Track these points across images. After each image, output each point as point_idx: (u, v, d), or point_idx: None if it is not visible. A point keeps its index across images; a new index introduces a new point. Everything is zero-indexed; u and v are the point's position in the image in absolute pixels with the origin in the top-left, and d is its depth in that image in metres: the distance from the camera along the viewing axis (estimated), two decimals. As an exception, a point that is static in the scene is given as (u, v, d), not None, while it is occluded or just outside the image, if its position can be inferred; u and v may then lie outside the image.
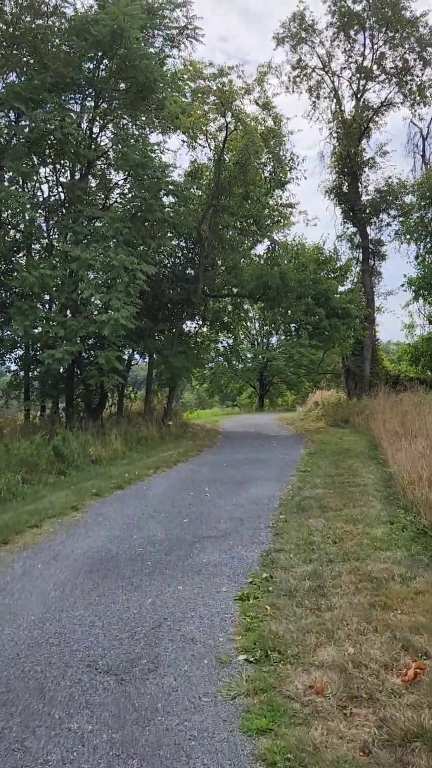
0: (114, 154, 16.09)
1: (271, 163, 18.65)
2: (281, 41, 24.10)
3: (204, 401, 64.58)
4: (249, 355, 48.92)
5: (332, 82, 24.70)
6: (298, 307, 16.99)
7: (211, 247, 19.32)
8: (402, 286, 24.63)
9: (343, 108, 24.58)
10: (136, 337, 18.99)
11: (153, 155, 15.40)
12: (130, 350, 19.26)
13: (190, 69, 16.95)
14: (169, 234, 16.12)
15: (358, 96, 23.85)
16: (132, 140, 15.64)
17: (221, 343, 24.87)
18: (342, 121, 24.32)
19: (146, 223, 16.00)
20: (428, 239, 24.76)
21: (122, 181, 17.43)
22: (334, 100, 24.89)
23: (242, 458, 13.73)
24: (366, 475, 10.43)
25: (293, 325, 18.57)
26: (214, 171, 18.31)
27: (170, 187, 15.58)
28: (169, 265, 20.74)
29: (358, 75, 23.09)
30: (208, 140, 18.08)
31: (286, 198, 19.41)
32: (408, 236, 23.50)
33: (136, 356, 20.69)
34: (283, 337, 47.49)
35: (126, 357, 20.09)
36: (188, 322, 22.60)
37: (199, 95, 16.36)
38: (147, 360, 20.25)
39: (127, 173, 15.89)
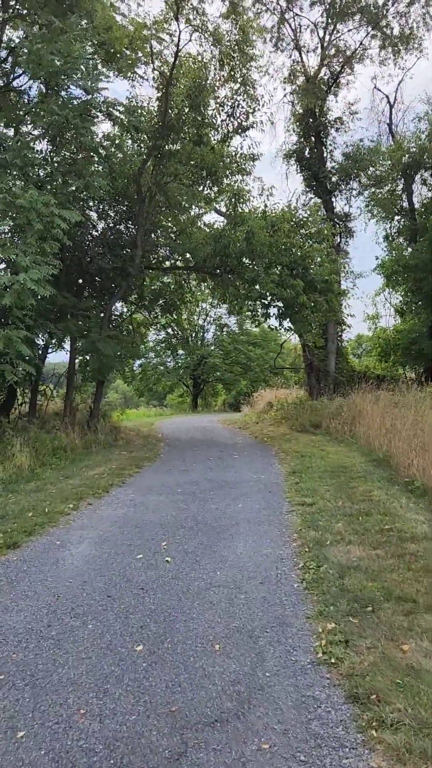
0: (25, 57, 11.61)
1: (231, 101, 14.77)
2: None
3: (129, 401, 60.38)
4: (181, 352, 45.18)
5: (294, 31, 21.12)
6: (269, 278, 13.11)
7: (153, 203, 15.27)
8: (374, 270, 21.43)
9: (305, 59, 21.05)
10: (54, 316, 14.69)
11: (78, 60, 11.11)
12: (47, 333, 14.84)
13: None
14: (100, 169, 11.88)
15: (324, 44, 20.34)
16: (52, 41, 11.30)
17: (165, 329, 20.64)
18: (304, 72, 20.77)
19: (69, 157, 11.76)
20: (398, 218, 21.69)
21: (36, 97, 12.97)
22: (294, 51, 21.30)
23: (202, 479, 9.77)
24: (407, 515, 6.77)
25: (260, 302, 14.55)
26: (160, 104, 14.24)
27: (103, 107, 11.36)
28: (96, 229, 16.47)
29: (329, 10, 19.41)
30: (153, 62, 13.95)
31: (248, 147, 15.58)
32: (378, 210, 20.26)
33: (54, 342, 16.26)
34: (239, 319, 43.87)
35: (42, 342, 15.70)
36: (120, 303, 18.43)
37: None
38: (68, 347, 15.88)
39: (44, 84, 11.53)
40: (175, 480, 9.75)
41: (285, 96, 23.11)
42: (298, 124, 21.18)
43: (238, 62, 13.77)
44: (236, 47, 13.36)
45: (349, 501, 7.68)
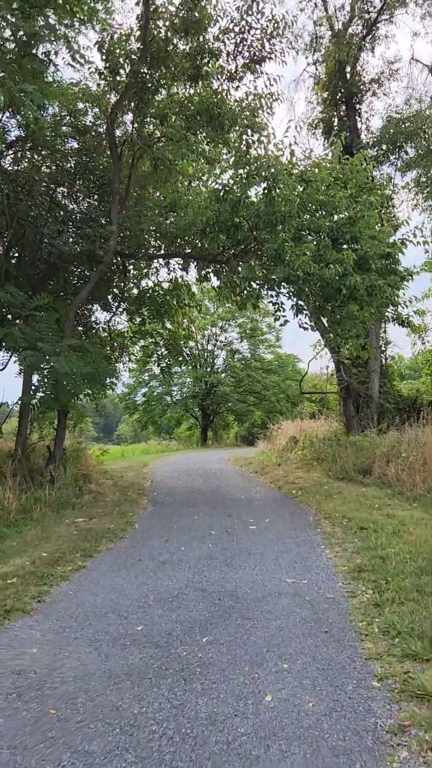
0: None
1: (238, 26, 10.60)
2: None
3: (140, 434, 56.10)
4: (188, 380, 41.19)
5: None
6: (301, 251, 8.49)
7: (133, 162, 11.07)
8: (423, 266, 17.00)
9: (330, 11, 17.00)
10: (-7, 318, 10.41)
11: None
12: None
13: None
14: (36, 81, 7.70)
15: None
16: None
17: (157, 347, 16.14)
18: (331, 27, 16.71)
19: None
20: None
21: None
22: (317, 10, 17.34)
23: (191, 590, 5.18)
24: None
25: (288, 288, 9.70)
26: (140, 19, 10.08)
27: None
28: (55, 201, 12.25)
29: None
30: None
31: (263, 86, 11.31)
32: (429, 189, 15.95)
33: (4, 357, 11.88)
34: (252, 344, 39.40)
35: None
36: (104, 313, 14.13)
37: None
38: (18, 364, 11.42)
39: None
40: (140, 591, 5.17)
41: (307, 66, 18.96)
42: (323, 89, 17.04)
43: None
44: None
45: None
